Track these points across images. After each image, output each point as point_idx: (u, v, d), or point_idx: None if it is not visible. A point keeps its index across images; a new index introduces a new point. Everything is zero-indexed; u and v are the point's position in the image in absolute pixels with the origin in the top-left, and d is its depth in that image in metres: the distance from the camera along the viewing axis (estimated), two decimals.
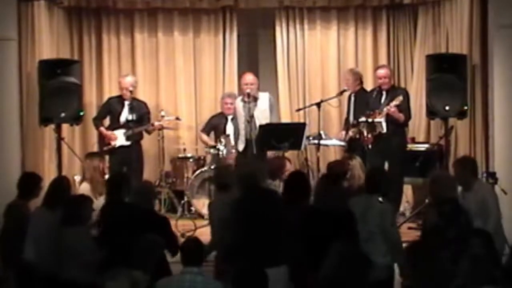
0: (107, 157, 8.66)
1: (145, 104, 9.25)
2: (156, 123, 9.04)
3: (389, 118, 8.48)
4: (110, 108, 9.14)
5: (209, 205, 6.53)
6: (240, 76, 9.39)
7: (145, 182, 7.31)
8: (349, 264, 4.31)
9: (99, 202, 6.67)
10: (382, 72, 8.79)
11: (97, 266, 5.66)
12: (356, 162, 7.05)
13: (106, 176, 7.58)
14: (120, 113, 9.02)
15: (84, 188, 7.31)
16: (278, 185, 6.96)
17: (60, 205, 6.04)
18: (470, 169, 6.29)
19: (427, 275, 4.47)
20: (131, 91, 9.03)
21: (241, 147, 8.82)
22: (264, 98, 8.81)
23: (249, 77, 8.87)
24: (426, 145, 9.16)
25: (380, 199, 5.88)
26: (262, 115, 8.66)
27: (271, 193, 6.04)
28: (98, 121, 9.16)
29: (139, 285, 4.87)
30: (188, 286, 4.87)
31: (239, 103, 8.87)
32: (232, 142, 9.03)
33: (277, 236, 5.57)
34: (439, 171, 6.64)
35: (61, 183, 6.59)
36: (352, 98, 9.12)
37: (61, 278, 5.73)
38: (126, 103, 9.04)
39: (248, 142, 8.63)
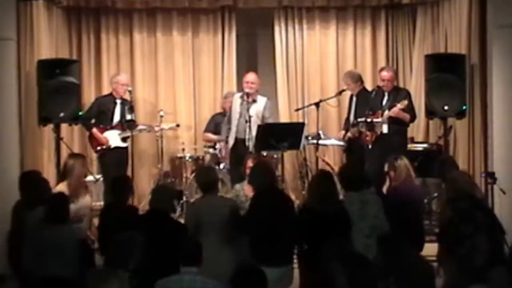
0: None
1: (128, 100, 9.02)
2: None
3: (391, 118, 8.46)
4: (101, 108, 8.93)
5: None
6: (241, 75, 9.37)
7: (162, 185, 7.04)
8: (347, 264, 4.31)
9: (77, 205, 6.65)
10: (386, 74, 8.66)
11: (85, 264, 5.67)
12: (402, 162, 6.99)
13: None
14: (113, 113, 8.88)
15: (61, 189, 6.94)
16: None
17: (39, 204, 6.00)
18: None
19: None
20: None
21: (231, 143, 8.68)
22: (261, 101, 8.68)
23: (251, 76, 8.77)
24: (425, 145, 9.16)
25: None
26: (257, 117, 8.61)
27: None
28: (88, 122, 8.92)
29: (124, 283, 4.82)
30: (187, 286, 4.87)
31: (237, 100, 8.73)
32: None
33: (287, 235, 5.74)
34: (455, 172, 6.67)
35: (37, 181, 6.53)
36: (354, 98, 9.10)
37: (44, 276, 5.69)
38: (118, 102, 8.92)
39: (238, 140, 8.55)
